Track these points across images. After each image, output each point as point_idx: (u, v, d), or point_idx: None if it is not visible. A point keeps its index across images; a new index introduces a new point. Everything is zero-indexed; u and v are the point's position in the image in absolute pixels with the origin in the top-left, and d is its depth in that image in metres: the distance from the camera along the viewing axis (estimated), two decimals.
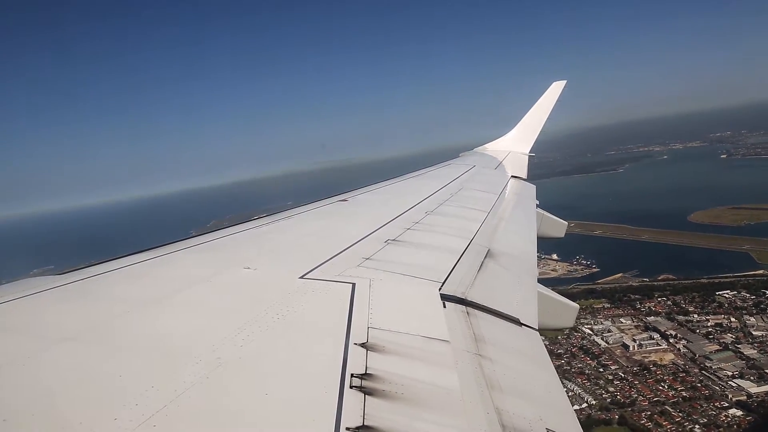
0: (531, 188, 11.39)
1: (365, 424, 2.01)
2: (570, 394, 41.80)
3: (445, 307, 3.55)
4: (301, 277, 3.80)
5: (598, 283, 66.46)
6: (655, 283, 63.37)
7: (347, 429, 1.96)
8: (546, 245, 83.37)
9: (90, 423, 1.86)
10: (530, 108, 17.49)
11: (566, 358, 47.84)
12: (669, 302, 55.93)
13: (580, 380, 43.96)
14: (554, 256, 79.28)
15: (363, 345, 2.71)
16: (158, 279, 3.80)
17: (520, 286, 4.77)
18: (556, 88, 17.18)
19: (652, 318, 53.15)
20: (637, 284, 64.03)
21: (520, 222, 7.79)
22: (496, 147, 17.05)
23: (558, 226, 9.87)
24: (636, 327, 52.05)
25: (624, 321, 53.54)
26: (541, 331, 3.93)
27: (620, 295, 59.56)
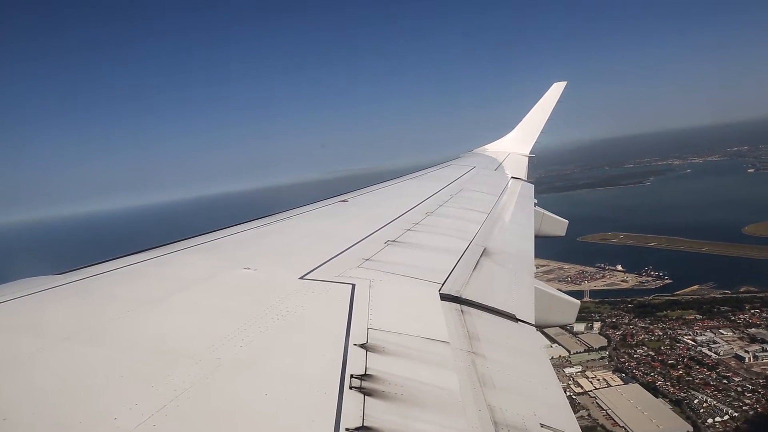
0: (530, 188, 11.43)
1: (365, 424, 2.01)
2: (704, 405, 41.48)
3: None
4: (301, 278, 3.80)
5: (677, 295, 66.18)
6: (740, 295, 62.72)
7: (347, 430, 1.96)
8: (608, 256, 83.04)
9: (90, 423, 1.86)
10: (530, 109, 17.50)
11: (681, 369, 47.58)
12: (765, 314, 55.53)
13: (708, 391, 43.65)
14: (619, 267, 79.28)
15: (363, 346, 2.71)
16: (158, 279, 3.80)
17: (517, 283, 4.77)
18: (557, 89, 17.19)
19: (753, 330, 52.72)
20: (720, 296, 63.42)
21: (518, 221, 7.81)
22: (496, 148, 17.07)
23: (559, 225, 9.93)
24: (740, 338, 51.74)
25: (724, 332, 53.21)
26: (543, 327, 3.91)
27: (708, 307, 59.26)
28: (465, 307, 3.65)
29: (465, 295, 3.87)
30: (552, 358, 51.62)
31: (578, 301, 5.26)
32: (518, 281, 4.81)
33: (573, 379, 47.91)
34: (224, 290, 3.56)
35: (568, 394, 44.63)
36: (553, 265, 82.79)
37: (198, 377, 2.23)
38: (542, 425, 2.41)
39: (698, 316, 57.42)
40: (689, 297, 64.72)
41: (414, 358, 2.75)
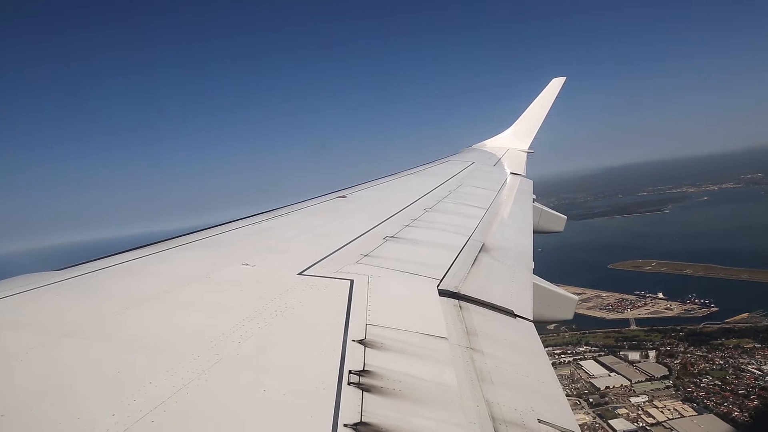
0: (528, 183, 11.44)
1: (363, 420, 2.01)
2: None
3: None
4: (300, 274, 3.81)
5: (729, 323, 64.65)
6: None
7: (345, 425, 1.96)
8: (645, 284, 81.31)
9: (87, 419, 1.86)
10: (529, 105, 17.48)
11: (755, 399, 44.99)
12: None
13: None
14: (660, 295, 78.02)
15: (361, 342, 2.72)
16: (156, 275, 3.80)
17: (515, 278, 4.78)
18: (556, 85, 17.14)
19: None
20: None
21: (516, 217, 7.82)
22: (495, 143, 17.06)
23: (557, 221, 9.94)
24: None
25: None
26: (542, 323, 3.90)
27: (765, 335, 57.87)
28: (463, 303, 3.66)
29: (463, 291, 3.87)
30: (613, 387, 50.23)
31: (576, 297, 5.26)
32: (517, 277, 4.82)
33: (642, 409, 46.00)
34: (222, 286, 3.56)
35: (641, 424, 43.13)
36: (590, 293, 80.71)
37: (196, 373, 2.23)
38: (540, 420, 2.42)
39: (757, 345, 55.52)
40: (742, 325, 63.13)
41: (412, 353, 2.76)
